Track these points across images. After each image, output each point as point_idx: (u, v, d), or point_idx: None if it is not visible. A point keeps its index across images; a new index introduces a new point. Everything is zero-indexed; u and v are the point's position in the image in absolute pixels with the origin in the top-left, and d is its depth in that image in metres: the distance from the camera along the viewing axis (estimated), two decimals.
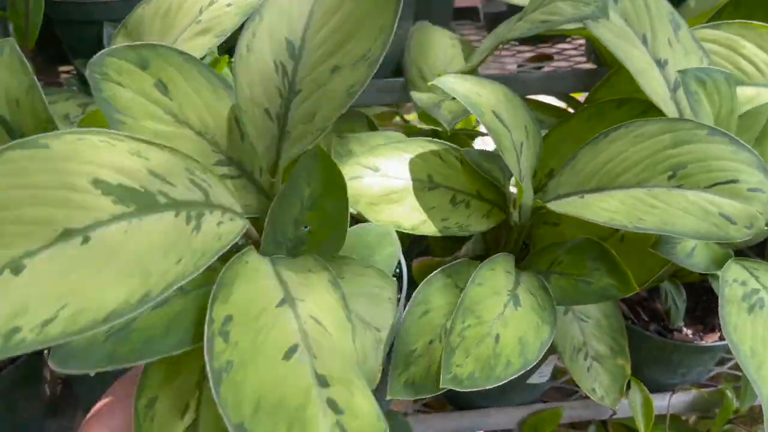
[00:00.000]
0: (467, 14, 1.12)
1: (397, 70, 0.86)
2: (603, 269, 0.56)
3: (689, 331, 0.67)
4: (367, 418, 0.28)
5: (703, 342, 0.65)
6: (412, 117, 1.07)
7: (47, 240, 0.26)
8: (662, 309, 0.67)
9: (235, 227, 0.35)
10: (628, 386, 0.68)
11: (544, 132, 0.66)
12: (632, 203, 0.51)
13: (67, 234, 0.27)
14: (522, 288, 0.56)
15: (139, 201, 0.30)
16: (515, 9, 0.71)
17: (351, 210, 0.57)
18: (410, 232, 0.58)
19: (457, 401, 0.74)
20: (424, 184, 0.60)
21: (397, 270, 0.55)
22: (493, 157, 0.62)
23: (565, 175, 0.57)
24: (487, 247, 0.67)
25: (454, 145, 0.62)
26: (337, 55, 0.39)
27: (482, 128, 0.87)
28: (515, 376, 0.49)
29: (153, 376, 0.33)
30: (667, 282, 0.65)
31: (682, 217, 0.48)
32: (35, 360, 0.66)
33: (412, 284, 0.56)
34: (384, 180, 0.60)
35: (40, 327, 0.25)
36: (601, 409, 0.71)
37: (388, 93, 0.81)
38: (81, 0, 0.72)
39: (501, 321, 0.52)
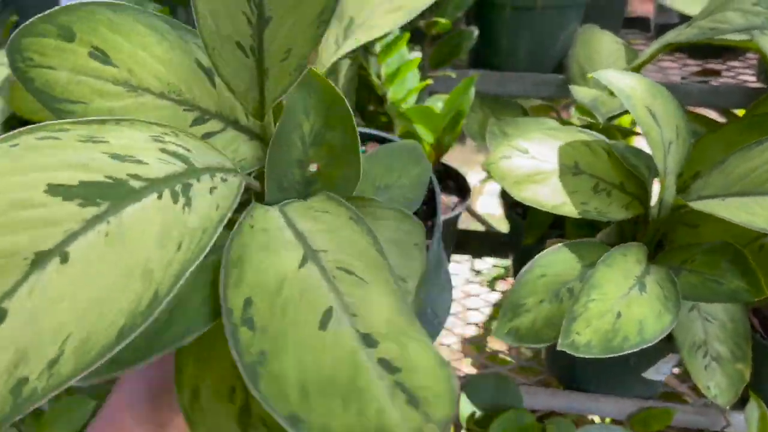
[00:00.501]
0: (638, 24, 1.13)
1: (557, 68, 0.90)
2: (736, 271, 0.58)
3: None
4: (427, 369, 0.25)
5: None
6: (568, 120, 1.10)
7: (20, 273, 0.23)
8: None
9: (231, 188, 0.31)
10: (746, 400, 0.68)
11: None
12: None
13: (40, 259, 0.23)
14: (650, 278, 0.59)
15: (110, 194, 0.26)
16: (686, 20, 0.73)
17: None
18: (550, 210, 0.63)
19: (569, 382, 0.77)
20: (570, 170, 0.65)
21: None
22: (640, 153, 0.65)
23: (711, 177, 0.59)
24: (622, 239, 0.70)
25: (604, 137, 0.66)
26: None
27: (639, 129, 0.88)
28: (630, 351, 0.53)
29: (186, 370, 0.31)
30: None
31: None
32: None
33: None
34: (531, 161, 0.66)
35: (47, 370, 0.22)
36: (714, 419, 0.72)
37: (545, 87, 0.86)
38: None
39: (624, 301, 0.56)
